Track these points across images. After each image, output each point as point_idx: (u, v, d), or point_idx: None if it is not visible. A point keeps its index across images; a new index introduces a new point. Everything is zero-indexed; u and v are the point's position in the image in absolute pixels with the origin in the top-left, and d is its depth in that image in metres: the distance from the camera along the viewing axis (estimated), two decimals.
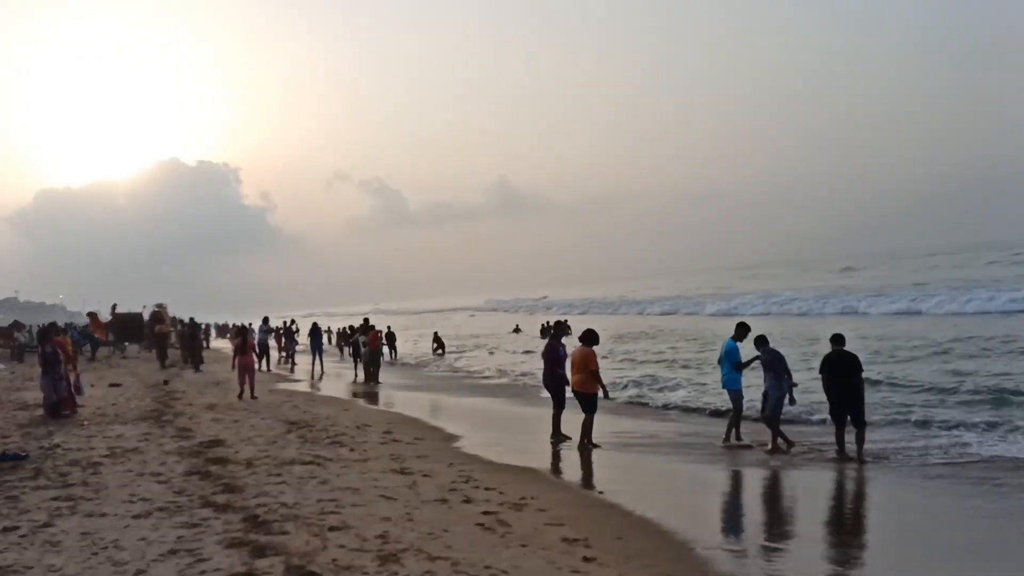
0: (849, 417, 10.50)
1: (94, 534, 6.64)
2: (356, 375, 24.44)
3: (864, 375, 10.80)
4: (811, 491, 9.32)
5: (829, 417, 10.96)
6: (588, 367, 11.76)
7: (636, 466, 10.68)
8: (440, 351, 33.47)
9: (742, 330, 12.17)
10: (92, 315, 41.48)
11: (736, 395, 11.82)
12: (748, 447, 11.36)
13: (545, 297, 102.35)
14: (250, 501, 7.75)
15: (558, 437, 12.21)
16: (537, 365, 26.24)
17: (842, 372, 10.58)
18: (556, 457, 11.42)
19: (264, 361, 27.79)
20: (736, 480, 9.97)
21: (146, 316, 40.94)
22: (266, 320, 30.42)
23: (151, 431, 12.74)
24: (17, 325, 41.82)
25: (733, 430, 11.71)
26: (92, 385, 21.49)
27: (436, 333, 36.82)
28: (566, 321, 15.51)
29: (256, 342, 28.18)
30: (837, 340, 10.90)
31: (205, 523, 6.92)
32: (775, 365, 11.25)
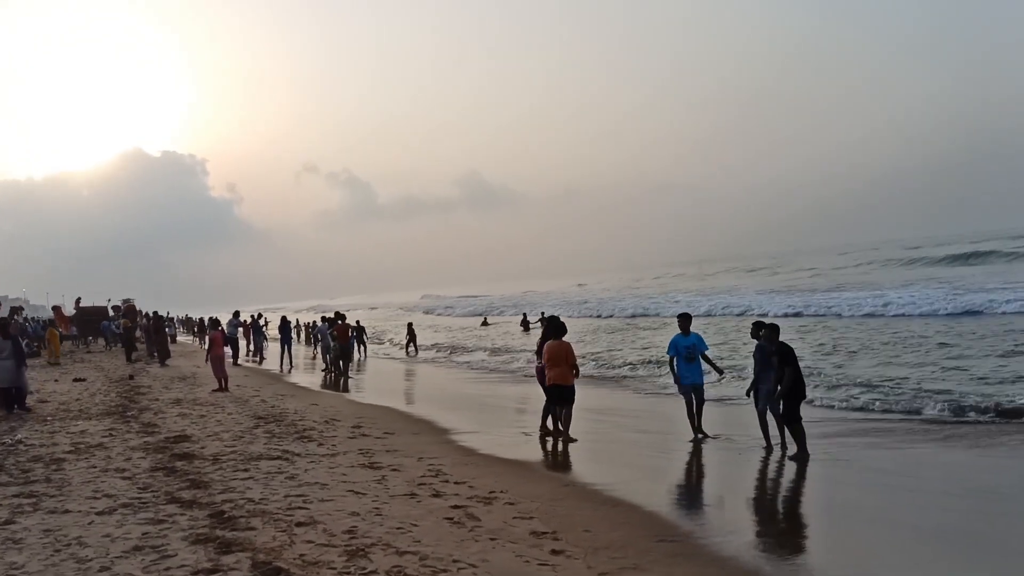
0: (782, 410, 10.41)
1: (57, 531, 6.55)
2: (326, 368, 24.24)
3: None
4: (783, 478, 9.43)
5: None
6: (567, 360, 11.83)
7: (609, 457, 10.72)
8: (412, 345, 32.98)
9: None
10: (56, 308, 40.89)
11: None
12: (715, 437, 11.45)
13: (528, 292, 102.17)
14: (216, 497, 7.70)
15: (546, 431, 12.19)
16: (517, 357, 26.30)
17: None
18: (530, 450, 11.43)
19: (235, 355, 27.69)
20: (718, 468, 10.05)
21: (110, 310, 40.42)
22: (236, 314, 30.23)
23: (116, 426, 12.58)
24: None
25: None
26: (56, 380, 21.21)
27: (410, 324, 36.22)
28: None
29: (227, 335, 28.03)
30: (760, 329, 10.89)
31: (170, 519, 6.85)
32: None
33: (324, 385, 21.43)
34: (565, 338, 12.05)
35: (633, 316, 42.23)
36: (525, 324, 40.98)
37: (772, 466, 9.91)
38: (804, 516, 8.07)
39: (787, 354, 10.41)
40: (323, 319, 27.60)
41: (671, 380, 12.46)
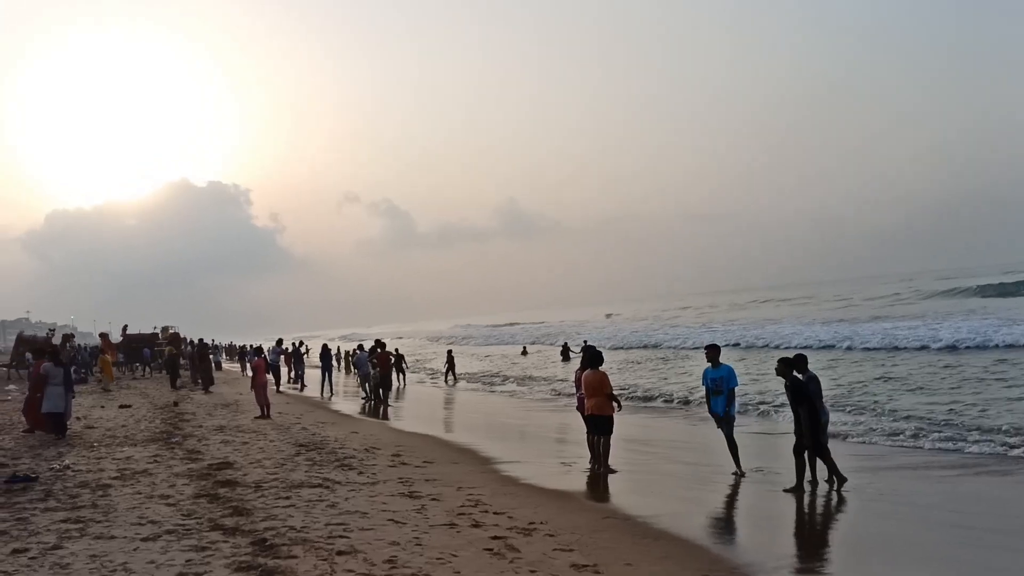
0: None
1: (103, 556, 6.64)
2: (366, 396, 24.34)
3: None
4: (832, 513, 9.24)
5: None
6: (603, 390, 11.75)
7: (650, 488, 10.60)
8: (452, 373, 32.97)
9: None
10: (104, 336, 41.67)
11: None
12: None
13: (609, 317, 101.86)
14: (259, 524, 7.75)
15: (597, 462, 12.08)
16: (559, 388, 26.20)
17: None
18: (570, 480, 11.35)
19: (277, 383, 28.01)
20: (759, 502, 9.89)
21: (160, 335, 41.15)
22: (279, 342, 30.54)
23: (160, 453, 12.76)
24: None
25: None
26: (102, 406, 21.60)
27: (449, 352, 36.31)
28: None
29: (270, 363, 28.41)
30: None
31: (214, 546, 6.91)
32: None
33: (363, 413, 21.53)
34: (603, 368, 12.00)
35: (660, 346, 41.50)
36: (565, 353, 40.80)
37: (817, 500, 9.73)
38: (848, 551, 7.88)
39: (798, 390, 10.20)
40: (360, 348, 27.85)
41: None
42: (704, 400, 12.02)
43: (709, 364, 11.65)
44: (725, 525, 8.96)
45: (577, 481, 11.27)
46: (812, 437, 10.10)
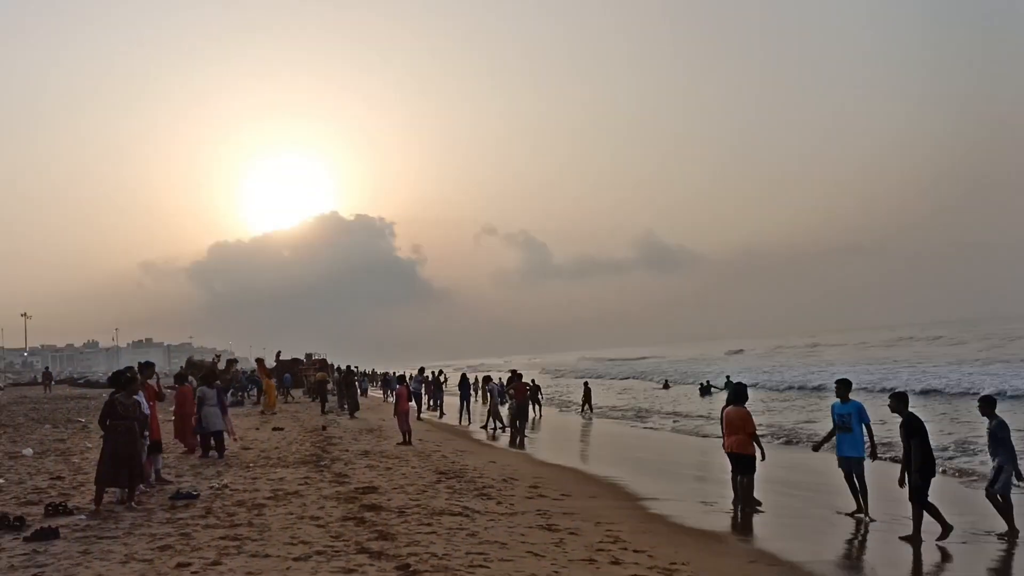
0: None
1: (258, 574, 6.95)
2: (491, 426, 24.62)
3: None
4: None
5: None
6: (745, 428, 11.44)
7: (797, 531, 10.16)
8: (588, 405, 32.64)
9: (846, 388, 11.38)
10: (259, 360, 43.97)
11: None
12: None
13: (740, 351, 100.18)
14: (402, 549, 7.91)
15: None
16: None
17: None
18: (713, 520, 11.03)
19: (419, 410, 28.78)
20: (900, 550, 9.30)
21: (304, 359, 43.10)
22: (421, 370, 31.34)
23: (310, 475, 13.28)
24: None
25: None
26: (257, 428, 22.76)
27: (586, 383, 36.00)
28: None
29: (411, 391, 29.20)
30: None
31: (360, 569, 7.11)
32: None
33: (489, 438, 21.74)
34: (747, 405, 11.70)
35: (808, 388, 39.37)
36: (704, 390, 39.91)
37: (951, 548, 9.05)
38: None
39: (911, 424, 9.69)
40: (488, 379, 28.61)
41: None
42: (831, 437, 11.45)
43: (838, 399, 11.30)
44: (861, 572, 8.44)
45: (720, 521, 10.94)
46: (917, 482, 9.55)
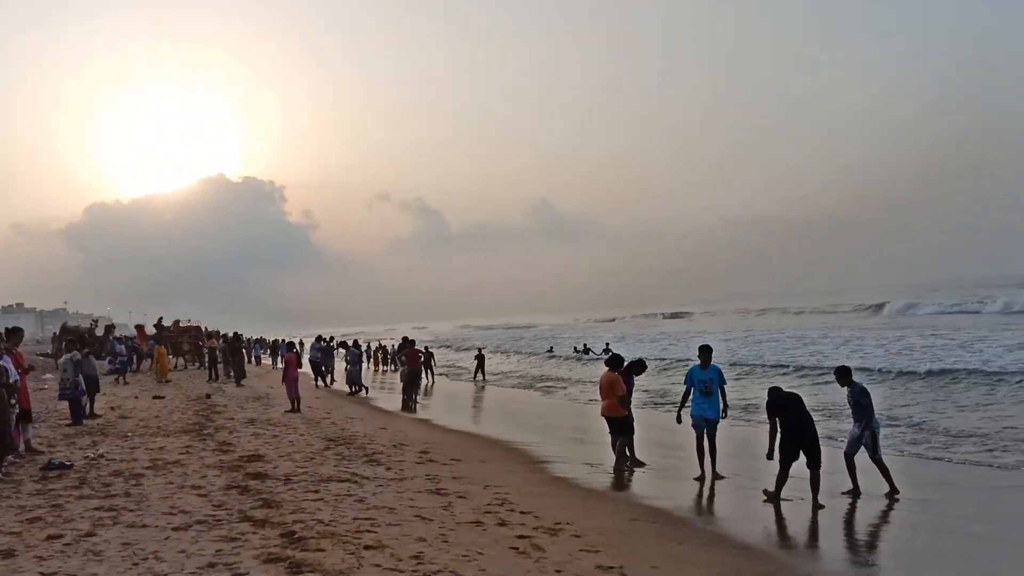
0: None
1: (135, 545, 6.75)
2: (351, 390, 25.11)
3: None
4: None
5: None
6: (615, 392, 11.92)
7: (676, 492, 10.56)
8: (481, 374, 33.01)
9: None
10: (139, 327, 42.31)
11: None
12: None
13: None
14: (287, 517, 7.82)
15: (629, 461, 12.19)
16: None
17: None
18: (596, 481, 11.35)
19: (320, 378, 28.23)
20: (784, 508, 9.80)
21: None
22: (319, 338, 30.58)
23: (192, 444, 12.93)
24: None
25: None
26: (136, 397, 21.95)
27: (480, 351, 36.36)
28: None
29: (311, 360, 28.70)
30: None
31: (243, 537, 6.99)
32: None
33: (389, 409, 21.65)
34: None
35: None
36: (581, 352, 41.20)
37: (858, 510, 9.64)
38: (880, 561, 7.79)
39: (863, 398, 10.37)
40: (343, 343, 28.73)
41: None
42: (680, 401, 11.91)
43: (699, 365, 11.65)
44: (751, 531, 8.85)
45: (604, 482, 11.28)
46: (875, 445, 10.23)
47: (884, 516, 9.38)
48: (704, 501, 10.37)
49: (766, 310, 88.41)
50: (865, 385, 10.93)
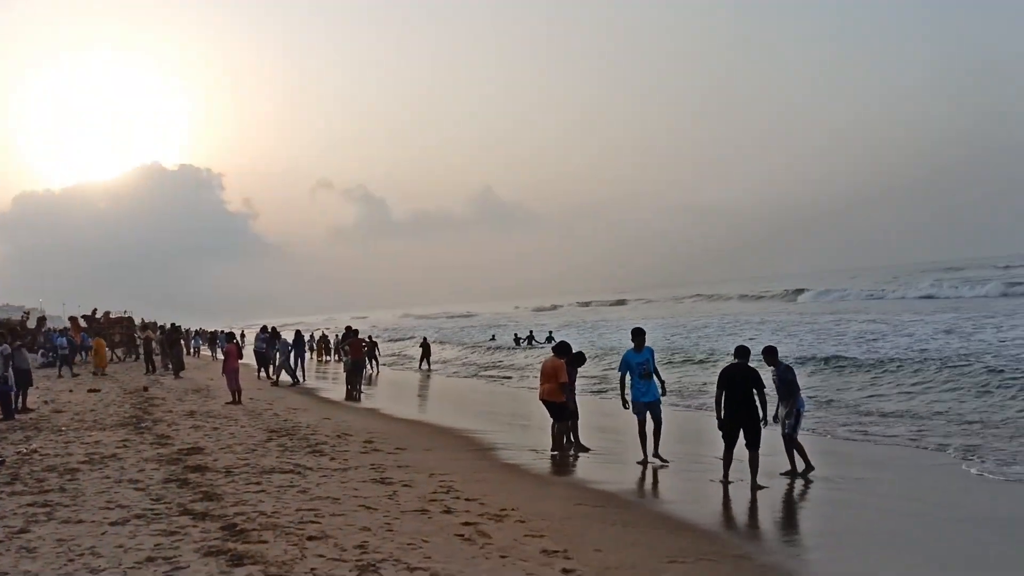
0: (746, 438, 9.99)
1: (70, 541, 6.59)
2: (296, 379, 25.20)
3: None
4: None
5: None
6: (557, 378, 11.99)
7: (621, 477, 10.68)
8: (427, 361, 33.10)
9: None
10: (73, 319, 41.13)
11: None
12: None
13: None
14: (229, 509, 7.72)
15: (573, 447, 12.37)
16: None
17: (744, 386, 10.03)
18: (541, 467, 11.42)
19: (264, 370, 27.68)
20: (721, 491, 9.99)
21: (81, 321, 40.80)
22: (264, 328, 29.98)
23: (130, 438, 12.66)
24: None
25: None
26: (71, 390, 21.38)
27: (425, 339, 36.47)
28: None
29: (255, 350, 28.17)
30: (742, 354, 10.38)
31: (183, 531, 6.88)
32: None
33: (333, 400, 21.47)
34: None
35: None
36: (523, 340, 41.52)
37: (792, 490, 9.88)
38: (814, 539, 8.00)
39: (788, 373, 10.66)
40: (263, 329, 28.60)
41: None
42: (619, 387, 11.84)
43: (632, 348, 11.58)
44: (694, 513, 9.01)
45: (549, 468, 11.36)
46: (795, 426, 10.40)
47: (820, 496, 9.62)
48: (648, 484, 10.51)
49: (701, 296, 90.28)
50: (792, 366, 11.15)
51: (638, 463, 11.23)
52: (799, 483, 10.06)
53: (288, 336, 28.56)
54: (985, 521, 8.26)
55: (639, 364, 11.49)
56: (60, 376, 26.56)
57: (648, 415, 11.37)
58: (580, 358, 13.06)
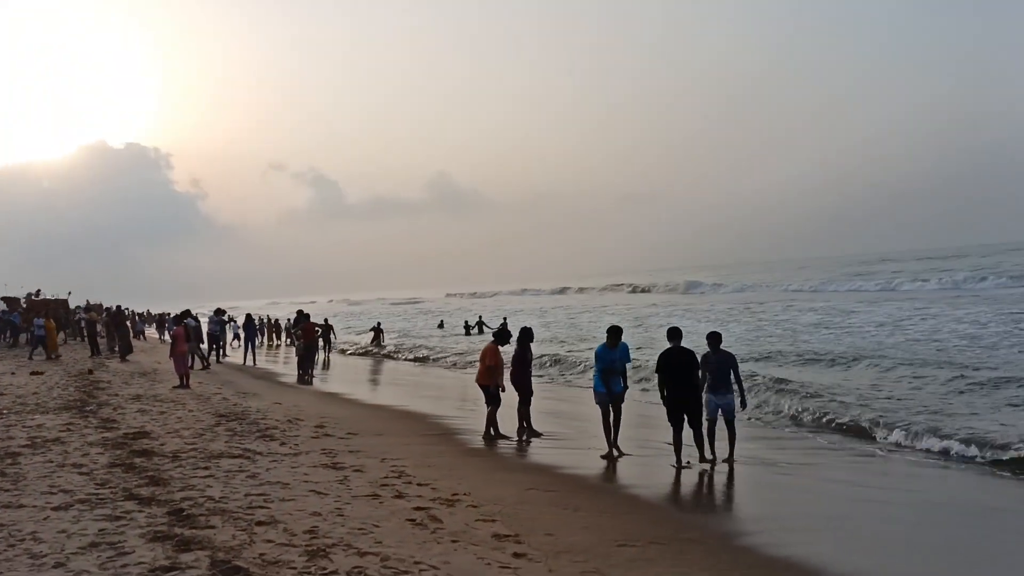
0: (688, 418, 10.31)
1: (11, 526, 6.42)
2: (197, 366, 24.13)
3: None
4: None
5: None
6: (483, 361, 12.58)
7: (572, 461, 10.76)
8: (378, 343, 33.30)
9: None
10: (12, 300, 40.06)
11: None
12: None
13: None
14: (175, 494, 7.60)
15: (526, 432, 12.54)
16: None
17: (683, 370, 10.35)
18: (493, 453, 11.45)
19: (216, 352, 27.21)
20: (671, 476, 10.12)
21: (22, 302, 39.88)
22: (218, 311, 29.48)
23: (74, 421, 12.37)
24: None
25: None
26: (12, 373, 20.82)
27: (378, 324, 36.57)
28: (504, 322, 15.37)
29: (208, 333, 27.67)
30: (675, 335, 10.63)
31: (128, 516, 6.75)
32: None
33: (286, 384, 21.24)
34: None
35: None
36: (472, 327, 41.57)
37: (740, 474, 10.04)
38: (761, 523, 8.16)
39: (731, 359, 10.81)
40: (217, 312, 28.54)
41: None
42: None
43: (606, 344, 11.43)
44: (641, 499, 9.11)
45: (501, 453, 11.38)
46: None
47: (769, 480, 9.82)
48: (599, 469, 10.58)
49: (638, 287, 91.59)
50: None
51: (602, 457, 10.96)
52: (749, 468, 10.23)
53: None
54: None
55: (612, 360, 11.36)
56: (31, 359, 25.86)
57: (611, 407, 11.22)
58: (502, 336, 12.97)
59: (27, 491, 7.66)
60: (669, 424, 10.40)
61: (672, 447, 10.32)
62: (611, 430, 11.19)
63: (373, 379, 24.38)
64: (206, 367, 24.07)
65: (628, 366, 11.65)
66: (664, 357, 10.52)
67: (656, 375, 10.73)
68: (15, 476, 8.34)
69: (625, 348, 11.56)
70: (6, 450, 9.83)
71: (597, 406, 11.39)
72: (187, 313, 26.13)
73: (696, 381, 10.42)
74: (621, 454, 11.03)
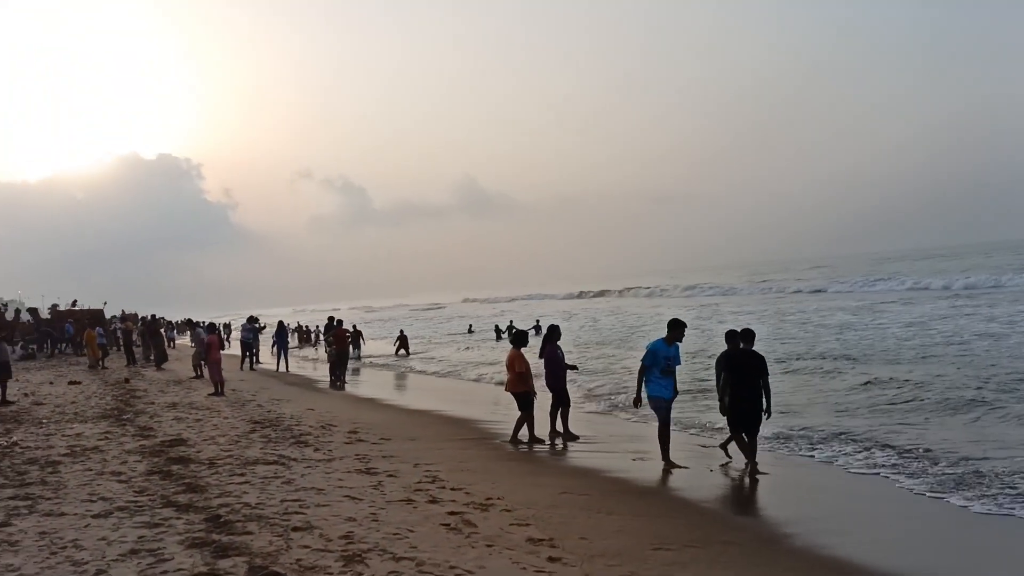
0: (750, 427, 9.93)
1: (53, 534, 6.54)
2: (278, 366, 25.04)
3: None
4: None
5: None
6: (512, 368, 12.41)
7: (606, 466, 10.71)
8: (404, 351, 33.33)
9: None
10: (33, 311, 40.75)
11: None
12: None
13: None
14: (212, 501, 7.68)
15: (566, 434, 12.49)
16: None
17: (751, 373, 9.88)
18: (526, 457, 11.44)
19: (248, 360, 27.39)
20: (722, 483, 10.04)
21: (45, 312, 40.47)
22: (251, 319, 29.74)
23: (112, 430, 12.56)
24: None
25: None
26: (51, 382, 21.19)
27: (402, 331, 36.65)
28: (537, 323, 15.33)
29: (242, 340, 27.94)
30: (745, 336, 10.13)
31: (166, 523, 6.84)
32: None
33: (320, 390, 21.39)
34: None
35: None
36: (498, 333, 41.40)
37: (779, 476, 9.94)
38: (805, 525, 8.06)
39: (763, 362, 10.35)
40: (250, 320, 28.91)
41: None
42: (637, 379, 10.78)
43: (663, 339, 10.63)
44: (678, 504, 9.04)
45: (534, 457, 11.36)
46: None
47: (800, 480, 9.71)
48: (633, 473, 10.49)
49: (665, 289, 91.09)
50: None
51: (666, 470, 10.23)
52: (788, 470, 10.13)
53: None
54: None
55: (666, 359, 10.52)
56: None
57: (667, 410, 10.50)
58: (520, 338, 12.94)
59: (68, 499, 7.79)
60: (730, 431, 10.21)
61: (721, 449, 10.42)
62: (668, 440, 10.44)
63: (402, 385, 24.47)
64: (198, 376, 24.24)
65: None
66: (727, 358, 10.06)
67: (719, 375, 10.14)
68: (56, 484, 8.49)
69: (678, 348, 10.76)
70: (47, 459, 10.01)
71: (653, 412, 10.66)
72: (253, 319, 26.87)
73: (767, 386, 9.95)
74: (676, 465, 10.31)
